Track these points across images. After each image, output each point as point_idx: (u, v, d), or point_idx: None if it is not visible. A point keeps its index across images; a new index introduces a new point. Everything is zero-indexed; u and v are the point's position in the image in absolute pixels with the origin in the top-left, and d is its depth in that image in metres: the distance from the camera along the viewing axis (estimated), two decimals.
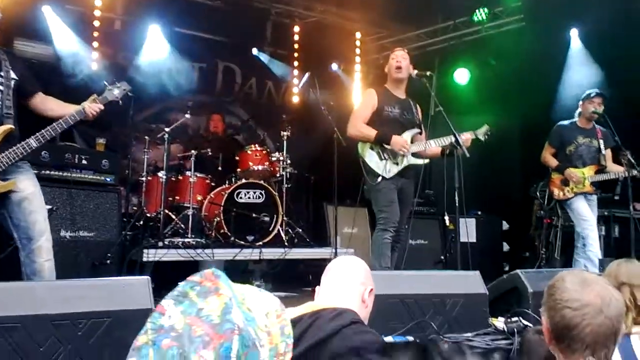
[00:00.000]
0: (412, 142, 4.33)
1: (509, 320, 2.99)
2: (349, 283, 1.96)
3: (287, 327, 1.36)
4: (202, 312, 1.26)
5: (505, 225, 7.46)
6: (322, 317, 1.77)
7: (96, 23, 6.43)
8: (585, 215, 5.04)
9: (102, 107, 3.27)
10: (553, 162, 5.30)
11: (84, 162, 4.68)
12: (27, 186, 3.10)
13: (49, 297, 2.21)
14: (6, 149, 2.97)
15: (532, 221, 6.79)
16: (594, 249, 4.89)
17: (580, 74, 6.72)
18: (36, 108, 3.27)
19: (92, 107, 3.23)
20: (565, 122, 5.34)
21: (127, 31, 6.71)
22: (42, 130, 3.07)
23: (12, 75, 3.10)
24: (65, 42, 6.27)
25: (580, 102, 5.25)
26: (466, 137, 4.22)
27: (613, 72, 6.21)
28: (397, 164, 4.25)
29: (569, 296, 1.54)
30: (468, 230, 6.34)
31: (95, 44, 6.47)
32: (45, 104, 3.29)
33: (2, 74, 3.06)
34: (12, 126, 3.03)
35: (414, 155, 4.31)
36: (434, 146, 4.30)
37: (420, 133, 4.45)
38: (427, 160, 4.38)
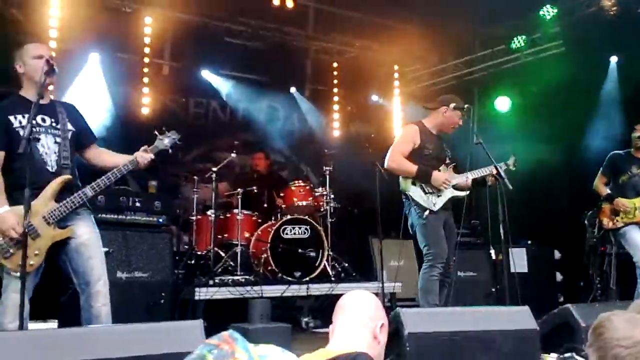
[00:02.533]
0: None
1: (561, 356, 2.94)
2: (358, 322, 1.93)
3: None
4: None
5: (557, 254, 7.26)
6: None
7: (145, 69, 6.77)
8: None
9: (153, 156, 3.35)
10: (603, 191, 5.18)
11: (137, 204, 4.89)
12: (85, 232, 3.18)
13: (108, 341, 2.31)
14: (64, 198, 3.08)
15: (585, 249, 6.60)
16: None
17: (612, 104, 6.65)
18: (90, 160, 3.40)
19: (144, 157, 3.31)
20: (620, 152, 5.22)
21: (175, 76, 7.02)
22: (98, 180, 3.17)
23: (69, 126, 3.23)
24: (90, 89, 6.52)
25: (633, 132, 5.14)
26: (497, 171, 4.18)
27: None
28: (440, 196, 4.25)
29: (620, 334, 1.54)
30: (518, 260, 6.24)
31: (146, 90, 6.80)
32: (99, 155, 3.41)
33: (59, 126, 3.19)
34: (70, 176, 3.14)
35: (455, 187, 4.30)
36: (472, 177, 4.30)
37: (455, 166, 4.45)
38: (467, 192, 4.37)
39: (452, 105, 4.37)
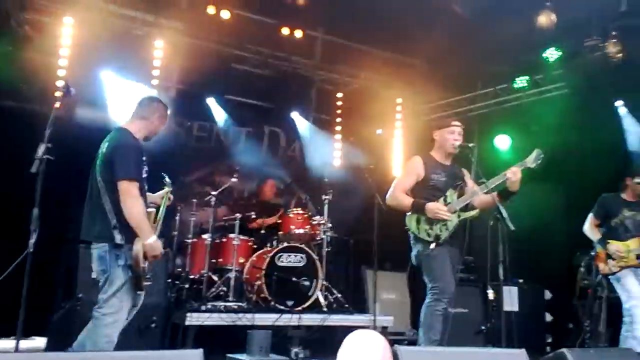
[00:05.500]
0: (459, 197, 4.23)
1: None
2: None
3: None
4: None
5: (547, 295, 7.26)
6: None
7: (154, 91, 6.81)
8: (633, 292, 4.91)
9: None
10: (596, 235, 5.24)
11: None
12: None
13: None
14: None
15: (576, 291, 6.62)
16: None
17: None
18: None
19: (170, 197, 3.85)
20: (610, 194, 5.31)
21: (181, 99, 7.07)
22: (159, 215, 3.62)
23: None
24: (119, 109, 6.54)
25: (628, 178, 5.21)
26: (513, 171, 4.04)
27: None
28: (446, 226, 4.12)
29: None
30: (510, 299, 6.24)
31: None
32: None
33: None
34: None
35: (464, 209, 4.17)
36: (482, 195, 4.14)
37: (465, 185, 4.32)
38: (476, 211, 4.19)
39: (438, 126, 4.42)
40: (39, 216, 3.06)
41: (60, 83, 5.65)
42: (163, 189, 3.81)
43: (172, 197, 3.84)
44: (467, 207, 4.15)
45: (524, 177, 4.10)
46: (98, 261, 3.33)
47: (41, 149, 3.01)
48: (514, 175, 4.03)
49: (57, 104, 4.30)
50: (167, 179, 3.83)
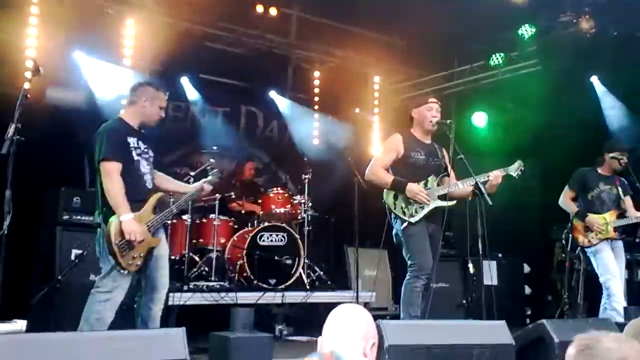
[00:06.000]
0: (438, 185, 4.25)
1: None
2: (350, 341, 1.91)
3: None
4: None
5: (526, 268, 7.40)
6: None
7: (126, 71, 6.66)
8: (609, 266, 4.99)
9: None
10: (573, 208, 5.30)
11: None
12: (164, 245, 3.69)
13: (92, 348, 2.28)
14: (158, 212, 3.57)
15: (554, 264, 6.75)
16: (618, 299, 4.84)
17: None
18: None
19: (206, 188, 4.00)
20: (587, 168, 5.38)
21: (154, 79, 6.93)
22: (179, 201, 3.85)
23: (151, 153, 3.69)
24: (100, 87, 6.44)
25: (606, 153, 5.28)
26: (495, 175, 4.11)
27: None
28: (422, 207, 4.13)
29: (613, 355, 1.56)
30: (489, 273, 6.35)
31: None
32: (159, 178, 3.81)
33: (148, 152, 3.64)
34: (162, 194, 3.69)
35: (441, 197, 4.18)
36: (461, 187, 4.18)
37: (448, 176, 4.32)
38: (453, 202, 4.20)
39: (416, 104, 4.43)
40: (12, 198, 2.98)
41: (29, 63, 5.48)
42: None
43: (207, 186, 3.96)
44: (445, 197, 4.16)
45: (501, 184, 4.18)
46: (96, 244, 3.48)
47: (11, 129, 2.94)
48: (495, 178, 4.11)
49: (27, 85, 4.22)
50: (213, 170, 4.15)
